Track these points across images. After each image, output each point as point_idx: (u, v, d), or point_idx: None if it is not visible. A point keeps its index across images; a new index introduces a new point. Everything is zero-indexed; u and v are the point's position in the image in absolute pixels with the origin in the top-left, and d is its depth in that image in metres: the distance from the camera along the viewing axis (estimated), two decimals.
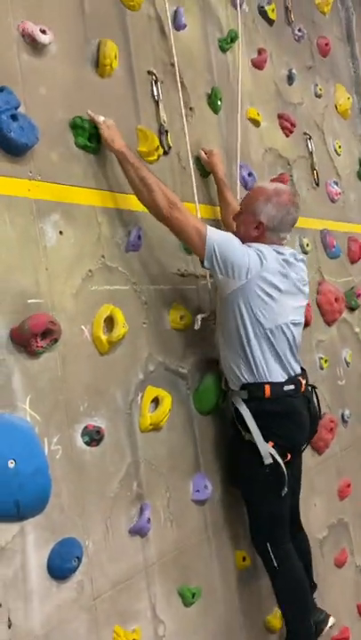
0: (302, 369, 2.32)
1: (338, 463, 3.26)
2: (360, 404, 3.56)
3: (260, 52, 3.19)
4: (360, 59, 4.35)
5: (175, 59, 2.52)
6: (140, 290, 2.17)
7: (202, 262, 2.12)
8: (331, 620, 2.43)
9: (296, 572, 2.23)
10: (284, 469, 2.13)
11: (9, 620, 1.57)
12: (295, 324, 2.24)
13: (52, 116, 1.97)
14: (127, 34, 2.34)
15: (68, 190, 1.97)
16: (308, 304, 2.49)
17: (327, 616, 2.43)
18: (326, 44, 3.88)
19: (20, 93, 1.86)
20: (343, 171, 3.88)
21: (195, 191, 2.44)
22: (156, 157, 2.34)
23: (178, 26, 2.61)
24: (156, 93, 2.41)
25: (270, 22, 3.34)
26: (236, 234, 2.22)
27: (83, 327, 1.93)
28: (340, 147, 3.86)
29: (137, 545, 1.99)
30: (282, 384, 2.17)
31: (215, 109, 2.76)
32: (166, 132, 2.42)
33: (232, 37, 2.91)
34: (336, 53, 4.05)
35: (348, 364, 3.53)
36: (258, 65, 3.17)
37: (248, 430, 2.14)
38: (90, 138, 2.05)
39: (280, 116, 3.29)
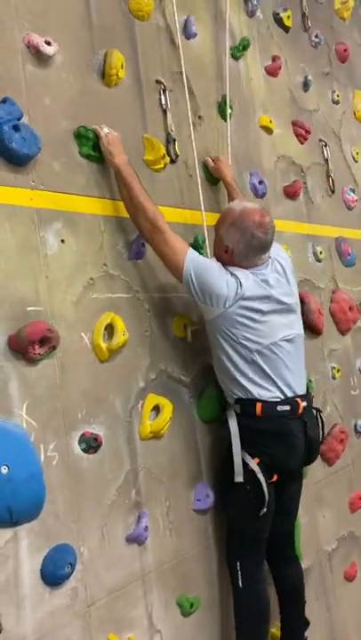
0: (308, 391, 2.25)
1: (349, 475, 3.21)
2: None
3: (274, 59, 3.18)
4: None
5: (184, 67, 2.53)
6: (142, 298, 2.18)
7: None
8: None
9: (259, 598, 2.14)
10: (265, 489, 2.06)
11: (0, 625, 1.59)
12: (288, 340, 2.17)
13: (56, 125, 1.99)
14: (135, 44, 2.36)
15: (71, 199, 2.00)
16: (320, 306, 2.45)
17: None
18: (345, 50, 3.84)
19: (24, 104, 1.89)
20: None
21: (201, 199, 2.44)
22: (162, 166, 2.35)
23: (188, 35, 2.63)
24: (163, 102, 2.42)
25: (286, 29, 3.32)
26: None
27: (83, 335, 1.95)
28: (357, 153, 3.81)
29: (134, 553, 1.99)
30: (275, 403, 2.11)
31: (225, 117, 2.76)
32: (174, 140, 2.43)
33: (244, 45, 2.91)
34: (355, 59, 4.00)
35: None
36: (272, 72, 3.15)
37: (238, 446, 2.09)
38: (94, 147, 2.07)
39: (294, 123, 3.27)
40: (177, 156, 2.43)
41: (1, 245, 1.77)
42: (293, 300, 2.25)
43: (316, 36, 3.59)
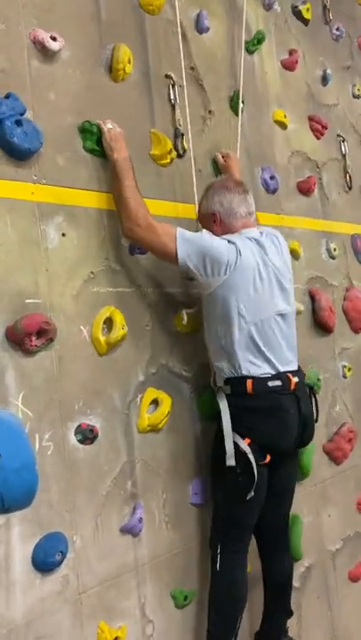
0: (299, 368, 2.23)
1: (358, 474, 3.18)
2: None
3: (291, 52, 3.14)
4: None
5: (195, 62, 2.53)
6: (144, 292, 2.20)
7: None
8: None
9: (235, 584, 2.10)
10: (255, 472, 2.01)
11: None
12: (283, 316, 2.15)
13: (61, 120, 2.02)
14: (145, 38, 2.36)
15: (74, 193, 2.02)
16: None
17: None
18: None
19: (29, 99, 1.92)
20: None
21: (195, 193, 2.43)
22: (168, 160, 2.35)
23: (200, 29, 2.61)
24: (172, 97, 2.42)
25: (305, 22, 3.28)
26: None
27: (82, 328, 1.98)
28: None
29: (128, 544, 2.02)
30: (266, 379, 2.08)
31: (237, 112, 2.74)
32: (182, 135, 2.43)
33: (259, 39, 2.88)
34: None
35: None
36: (288, 66, 3.12)
37: (229, 427, 2.05)
38: (98, 141, 2.08)
39: (311, 119, 3.22)
40: (184, 150, 2.43)
41: (1, 238, 1.80)
42: (288, 277, 2.24)
43: (338, 29, 3.53)
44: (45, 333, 1.81)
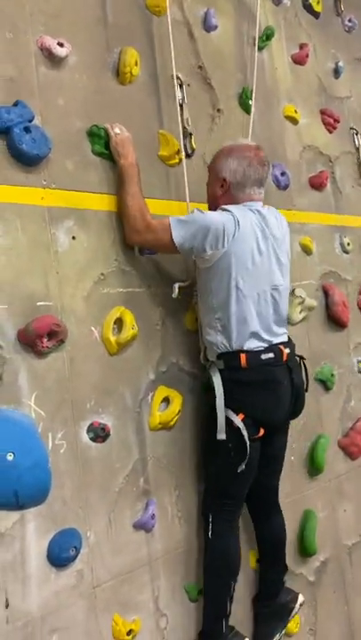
0: (289, 338, 2.23)
1: None
2: None
3: (301, 46, 3.12)
4: None
5: (203, 61, 2.54)
6: (154, 292, 2.23)
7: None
8: (300, 598, 2.40)
9: (227, 550, 2.14)
10: (248, 446, 2.02)
11: (6, 601, 1.70)
12: (278, 290, 2.16)
13: (70, 125, 2.05)
14: (152, 40, 2.38)
15: (83, 197, 2.06)
16: None
17: (296, 595, 2.40)
18: None
19: (37, 106, 1.96)
20: None
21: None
22: (177, 161, 2.37)
23: (208, 27, 2.62)
24: (180, 97, 2.44)
25: (316, 15, 3.26)
26: (209, 207, 2.22)
27: (92, 328, 2.02)
28: None
29: (141, 539, 2.06)
30: (259, 352, 2.08)
31: (247, 109, 2.74)
32: (190, 134, 2.45)
33: (268, 35, 2.88)
34: None
35: None
36: (299, 60, 3.10)
37: (222, 402, 2.04)
38: (106, 145, 2.12)
39: (322, 112, 3.21)
40: (193, 150, 2.45)
41: (12, 243, 1.85)
42: (286, 251, 2.24)
43: (350, 20, 3.50)
44: (56, 335, 1.86)
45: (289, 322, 2.51)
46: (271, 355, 2.11)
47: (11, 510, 1.73)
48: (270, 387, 2.11)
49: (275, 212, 2.26)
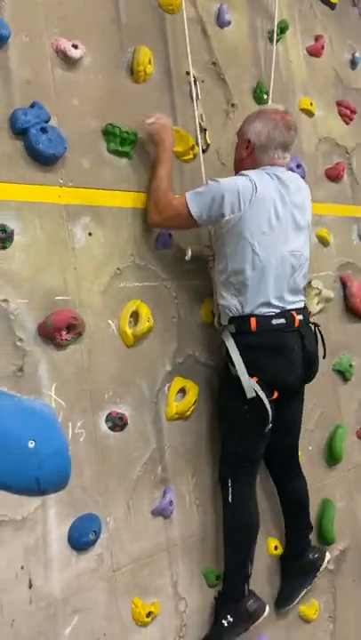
0: (304, 305, 2.26)
1: None
2: None
3: (316, 38, 3.13)
4: None
5: (216, 56, 2.57)
6: (170, 286, 2.28)
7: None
8: (327, 556, 2.47)
9: (248, 513, 2.19)
10: (268, 406, 2.07)
11: (30, 582, 1.78)
12: (296, 256, 2.16)
13: (85, 125, 2.11)
14: (166, 38, 2.42)
15: (99, 194, 2.12)
16: None
17: (323, 553, 2.46)
18: None
19: (53, 107, 2.03)
20: None
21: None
22: (191, 156, 2.41)
23: (222, 23, 2.65)
24: (194, 93, 2.48)
25: (331, 6, 3.26)
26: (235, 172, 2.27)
27: (110, 322, 2.08)
28: None
29: (159, 525, 2.12)
30: (270, 317, 2.10)
31: (261, 103, 2.76)
32: (205, 130, 2.48)
33: (282, 28, 2.89)
34: None
35: None
36: (314, 52, 3.11)
37: (235, 365, 2.10)
38: (121, 143, 2.18)
39: (339, 104, 3.22)
40: (207, 145, 2.49)
41: (31, 240, 1.92)
42: (307, 218, 2.25)
43: None
44: (74, 328, 1.93)
45: None
46: (282, 320, 2.13)
47: (33, 496, 1.81)
48: (281, 351, 2.13)
49: (296, 179, 2.27)
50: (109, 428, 2.02)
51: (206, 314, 2.38)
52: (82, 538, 1.87)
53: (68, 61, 2.08)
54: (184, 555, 2.19)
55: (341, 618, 2.73)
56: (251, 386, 2.07)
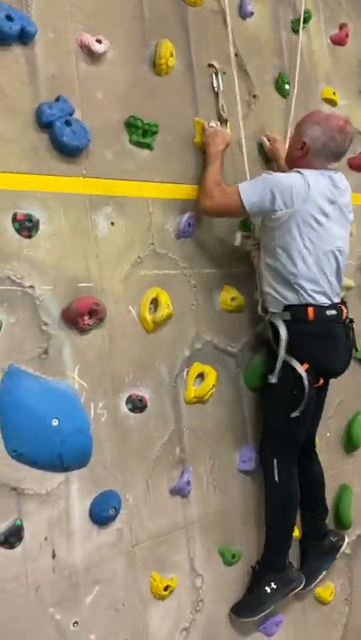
0: (343, 300, 2.37)
1: None
2: None
3: (341, 27, 3.13)
4: None
5: (238, 48, 2.60)
6: (189, 274, 2.35)
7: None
8: (346, 538, 2.60)
9: (293, 490, 2.34)
10: (306, 393, 2.20)
11: (53, 552, 1.89)
12: (341, 252, 2.29)
13: (108, 117, 2.19)
14: (188, 31, 2.47)
15: (121, 184, 2.19)
16: None
17: (343, 535, 2.60)
18: None
19: (77, 100, 2.10)
20: None
21: (248, 177, 2.52)
22: None
23: (244, 14, 2.68)
24: (215, 85, 2.52)
25: None
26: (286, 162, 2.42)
27: (130, 308, 2.16)
28: None
29: (177, 504, 2.21)
30: (325, 308, 2.24)
31: (283, 93, 2.79)
32: (226, 121, 2.53)
33: (305, 18, 2.90)
34: None
35: None
36: (338, 41, 3.11)
37: (284, 351, 2.22)
38: (143, 134, 2.24)
39: None
40: None
41: (55, 229, 2.01)
42: (351, 217, 2.39)
43: None
44: (96, 313, 2.02)
45: None
46: (334, 312, 2.28)
47: (56, 472, 1.91)
48: (332, 341, 2.28)
49: (343, 179, 2.37)
50: (129, 409, 2.11)
51: (225, 301, 2.44)
52: (102, 512, 1.97)
53: (92, 56, 2.15)
54: (201, 533, 2.27)
55: (358, 601, 2.78)
56: (278, 370, 2.21)
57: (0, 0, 1.92)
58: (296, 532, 2.53)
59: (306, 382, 2.21)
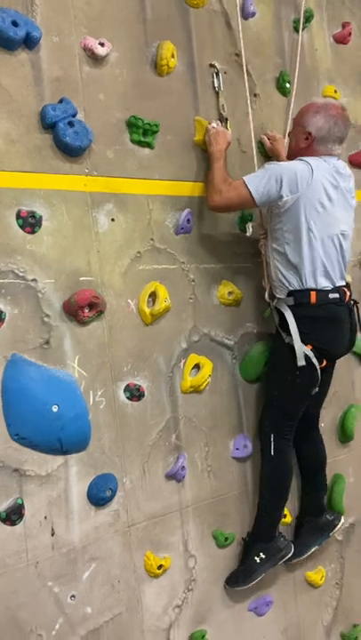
0: (347, 283, 2.45)
1: None
2: None
3: (343, 25, 3.17)
4: None
5: (241, 48, 2.67)
6: (187, 269, 2.44)
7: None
8: (342, 519, 2.69)
9: (286, 466, 2.46)
10: (319, 372, 2.32)
11: (52, 530, 2.01)
12: (344, 236, 2.38)
13: (110, 117, 2.28)
14: (190, 32, 2.54)
15: (122, 182, 2.29)
16: None
17: (339, 516, 2.69)
18: None
19: (80, 101, 2.20)
20: None
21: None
22: None
23: (246, 15, 2.74)
24: (216, 85, 2.60)
25: None
26: (288, 157, 2.50)
27: (129, 301, 2.26)
28: None
29: (172, 488, 2.32)
30: (328, 291, 2.33)
31: (284, 92, 2.86)
32: (226, 119, 2.60)
33: (307, 17, 2.95)
34: None
35: None
36: (341, 39, 3.16)
37: (290, 334, 2.32)
38: (144, 134, 2.33)
39: None
40: None
41: (58, 226, 2.12)
42: (354, 203, 2.47)
43: None
44: (96, 306, 2.12)
45: None
46: (337, 295, 2.36)
47: (57, 455, 2.03)
48: (335, 323, 2.38)
49: (346, 167, 2.46)
50: (127, 397, 2.22)
51: (222, 295, 2.53)
52: (99, 494, 2.08)
53: (95, 58, 2.24)
54: (195, 516, 2.38)
55: (348, 586, 2.88)
56: (303, 354, 2.31)
57: (6, 6, 2.02)
58: (288, 518, 2.63)
59: (315, 361, 2.31)
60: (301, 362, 2.30)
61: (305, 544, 2.58)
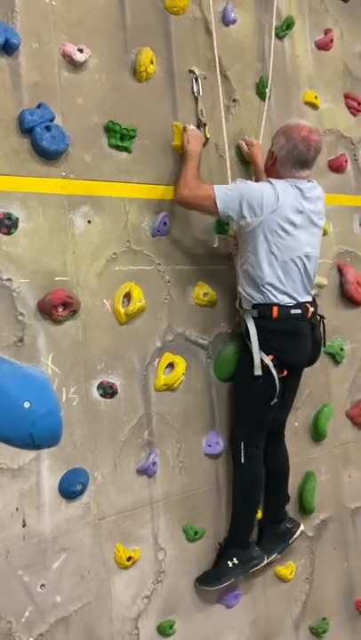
0: (313, 299, 2.54)
1: None
2: None
3: (326, 32, 3.23)
4: None
5: (220, 54, 2.72)
6: (163, 270, 2.51)
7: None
8: (301, 527, 2.74)
9: (257, 473, 2.54)
10: (277, 382, 2.39)
11: (24, 521, 2.08)
12: (308, 257, 2.45)
13: (88, 122, 2.34)
14: (170, 38, 2.60)
15: (99, 185, 2.35)
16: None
17: (298, 523, 2.73)
18: None
19: (59, 106, 2.26)
20: None
21: (229, 179, 2.66)
22: None
23: (227, 21, 2.80)
24: (195, 90, 2.65)
25: None
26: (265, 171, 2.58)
27: (105, 301, 2.33)
28: None
29: (143, 483, 2.39)
30: (290, 307, 2.42)
31: (264, 97, 2.91)
32: (204, 125, 2.66)
33: (288, 24, 3.01)
34: None
35: None
36: (322, 46, 3.22)
37: (256, 345, 2.39)
38: (121, 138, 2.39)
39: (346, 96, 3.31)
40: (207, 139, 2.67)
41: (34, 227, 2.18)
42: (322, 223, 2.53)
43: None
44: (70, 305, 2.19)
45: None
46: (299, 310, 2.45)
47: (29, 449, 2.10)
48: (296, 337, 2.47)
49: (315, 188, 2.50)
50: (100, 395, 2.29)
51: (198, 296, 2.59)
52: (70, 487, 2.15)
53: (74, 64, 2.30)
54: (166, 511, 2.45)
55: (318, 581, 2.95)
56: (260, 364, 2.38)
57: None
58: (259, 514, 2.70)
59: (274, 371, 2.38)
60: (258, 371, 2.38)
61: (267, 550, 2.63)
